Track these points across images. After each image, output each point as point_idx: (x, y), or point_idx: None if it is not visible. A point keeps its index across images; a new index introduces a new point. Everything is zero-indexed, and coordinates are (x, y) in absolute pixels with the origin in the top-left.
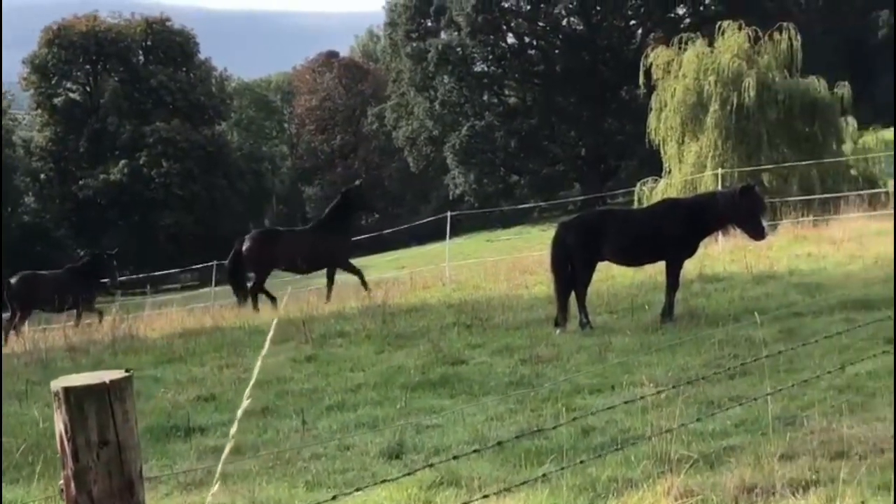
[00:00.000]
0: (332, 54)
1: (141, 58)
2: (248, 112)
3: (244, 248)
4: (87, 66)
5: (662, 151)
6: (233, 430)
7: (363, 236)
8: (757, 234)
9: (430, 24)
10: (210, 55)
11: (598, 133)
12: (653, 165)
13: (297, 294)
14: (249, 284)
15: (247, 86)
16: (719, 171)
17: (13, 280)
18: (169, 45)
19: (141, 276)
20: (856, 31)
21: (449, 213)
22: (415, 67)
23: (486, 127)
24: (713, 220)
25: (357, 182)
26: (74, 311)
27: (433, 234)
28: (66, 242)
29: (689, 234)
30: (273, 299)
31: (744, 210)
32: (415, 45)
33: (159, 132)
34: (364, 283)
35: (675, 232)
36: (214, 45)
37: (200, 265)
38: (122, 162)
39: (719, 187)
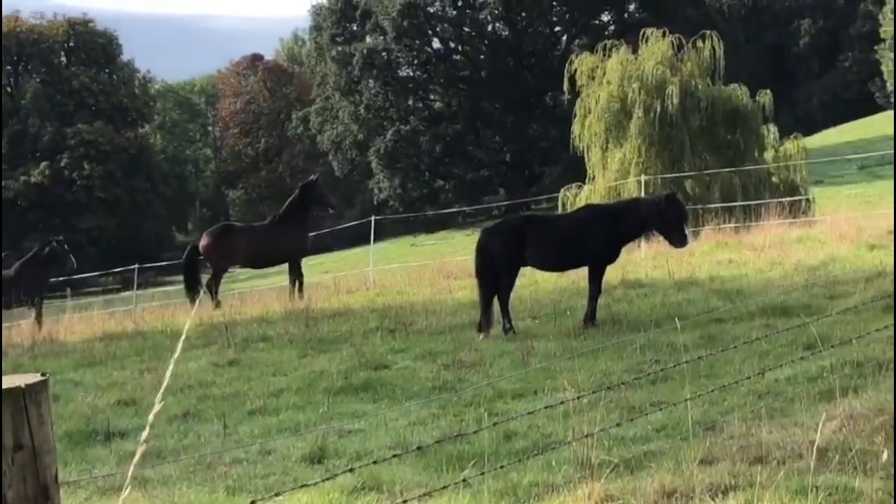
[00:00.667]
0: (257, 57)
1: (63, 59)
2: (171, 115)
3: (203, 244)
4: (9, 67)
5: (586, 158)
6: (144, 433)
7: None
8: (680, 241)
9: (355, 28)
10: (133, 57)
11: (523, 139)
12: (577, 171)
13: (223, 297)
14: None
15: (170, 88)
16: (642, 177)
17: None
18: (91, 46)
19: (61, 279)
20: (778, 39)
21: (373, 218)
22: (340, 71)
23: (410, 132)
24: (636, 227)
25: (313, 177)
26: (29, 308)
27: (358, 238)
28: None
29: (612, 239)
30: (214, 297)
31: (667, 217)
32: (340, 49)
33: (81, 134)
34: (301, 289)
35: (597, 237)
36: (138, 48)
37: (122, 269)
38: (44, 164)
39: (642, 194)
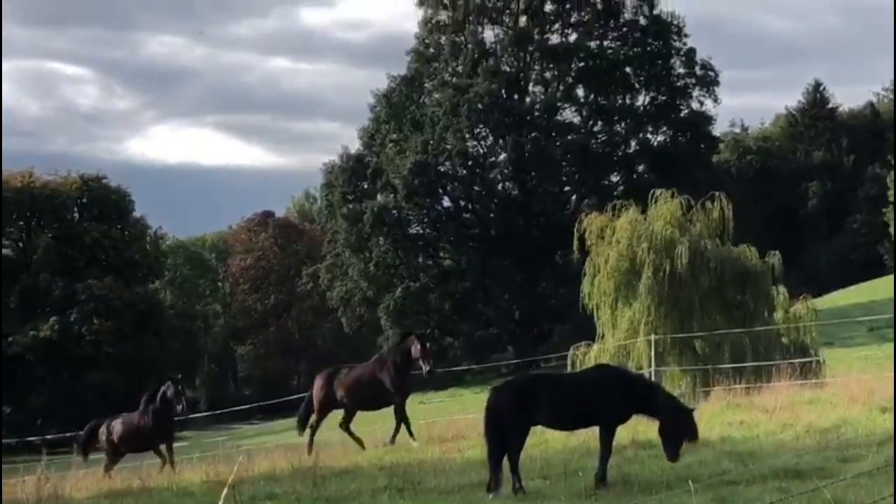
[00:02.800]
0: (268, 214)
1: (76, 215)
2: (182, 270)
3: (316, 385)
4: (21, 223)
5: (596, 316)
6: None
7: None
8: (671, 454)
9: (366, 186)
10: (145, 210)
11: (532, 297)
12: (585, 330)
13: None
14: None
15: (181, 244)
16: (652, 336)
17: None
18: (104, 202)
19: (68, 434)
20: (786, 200)
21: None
22: (350, 228)
23: (420, 289)
24: (647, 408)
25: (417, 331)
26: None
27: None
28: None
29: (623, 405)
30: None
31: (677, 428)
32: (351, 206)
33: (91, 289)
34: (406, 432)
35: (609, 399)
36: (150, 200)
37: None
38: (53, 319)
39: (652, 353)
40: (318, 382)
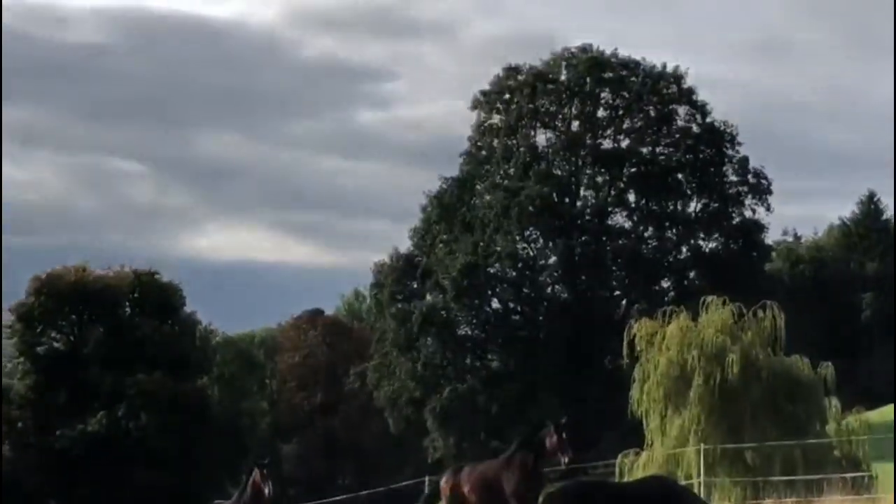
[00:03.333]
0: (317, 312)
1: (127, 309)
2: (230, 367)
3: (443, 483)
4: (73, 316)
5: (645, 423)
6: None
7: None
8: None
9: (415, 286)
10: (196, 306)
11: (580, 401)
12: (634, 437)
13: None
14: None
15: (230, 340)
16: (702, 446)
17: None
18: (156, 297)
19: None
20: (840, 311)
21: (427, 478)
22: (398, 328)
23: (467, 390)
24: None
25: (563, 420)
26: None
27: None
28: (34, 495)
29: None
30: None
31: None
32: (399, 306)
33: (140, 384)
34: None
35: None
36: (201, 296)
37: None
38: (101, 413)
39: (701, 463)
40: (447, 475)
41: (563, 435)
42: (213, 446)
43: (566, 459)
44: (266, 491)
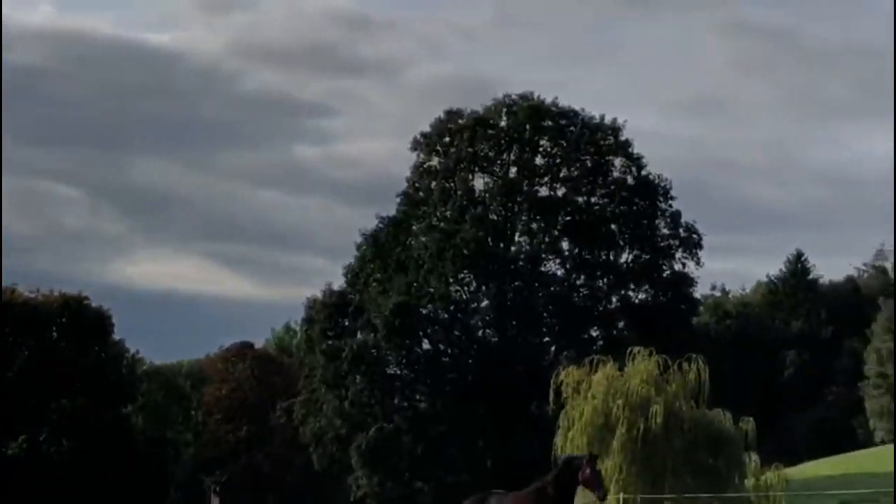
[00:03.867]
0: (247, 345)
1: (54, 333)
2: (156, 396)
3: None
4: None
5: None
6: None
7: None
8: None
9: (347, 323)
10: (124, 333)
11: (506, 445)
12: None
13: None
14: None
15: (157, 369)
16: (621, 495)
17: None
18: (84, 323)
19: None
20: (764, 367)
21: None
22: (328, 364)
23: (393, 430)
24: None
25: (585, 457)
26: None
27: None
28: None
29: None
30: None
31: None
32: (330, 342)
33: (63, 409)
34: None
35: None
36: (130, 323)
37: None
38: (22, 437)
39: None
40: None
41: (598, 469)
42: (135, 475)
43: (599, 494)
44: None
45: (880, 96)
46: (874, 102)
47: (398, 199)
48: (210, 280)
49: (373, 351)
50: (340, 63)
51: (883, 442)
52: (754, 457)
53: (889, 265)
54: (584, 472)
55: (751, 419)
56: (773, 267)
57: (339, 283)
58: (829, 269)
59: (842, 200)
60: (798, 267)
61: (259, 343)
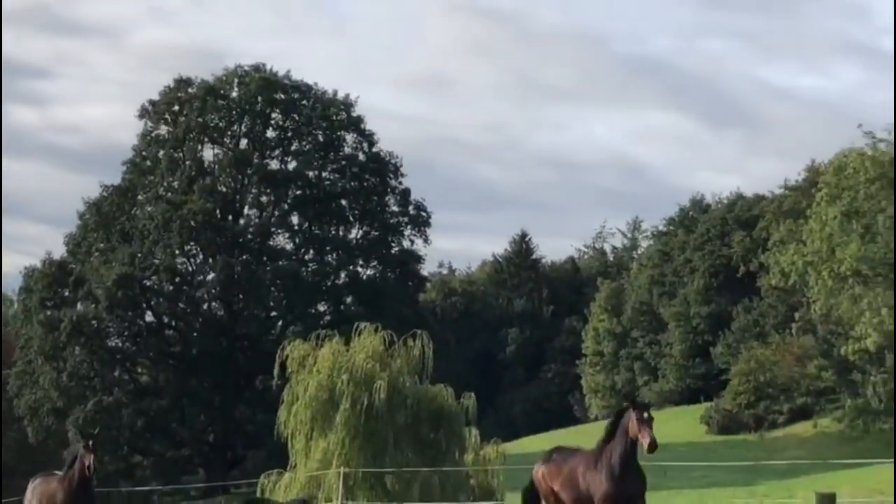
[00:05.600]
0: None
1: None
2: None
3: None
4: None
5: (290, 445)
6: None
7: None
8: None
9: (67, 293)
10: None
11: (229, 420)
12: (280, 458)
13: None
14: None
15: None
16: (342, 469)
17: None
18: None
19: None
20: (487, 344)
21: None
22: (45, 336)
23: (113, 403)
24: None
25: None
26: None
27: None
28: None
29: None
30: None
31: None
32: (49, 313)
33: None
34: None
35: None
36: None
37: None
38: None
39: (341, 486)
40: (539, 464)
41: (645, 415)
42: None
43: (646, 442)
44: (87, 463)
45: (600, 81)
46: (594, 88)
47: (124, 168)
48: None
49: (93, 322)
50: (61, 23)
51: (598, 418)
52: (474, 432)
53: (608, 246)
54: (632, 424)
55: (472, 395)
56: (498, 246)
57: (59, 252)
58: (552, 249)
59: (563, 183)
60: (522, 247)
61: None
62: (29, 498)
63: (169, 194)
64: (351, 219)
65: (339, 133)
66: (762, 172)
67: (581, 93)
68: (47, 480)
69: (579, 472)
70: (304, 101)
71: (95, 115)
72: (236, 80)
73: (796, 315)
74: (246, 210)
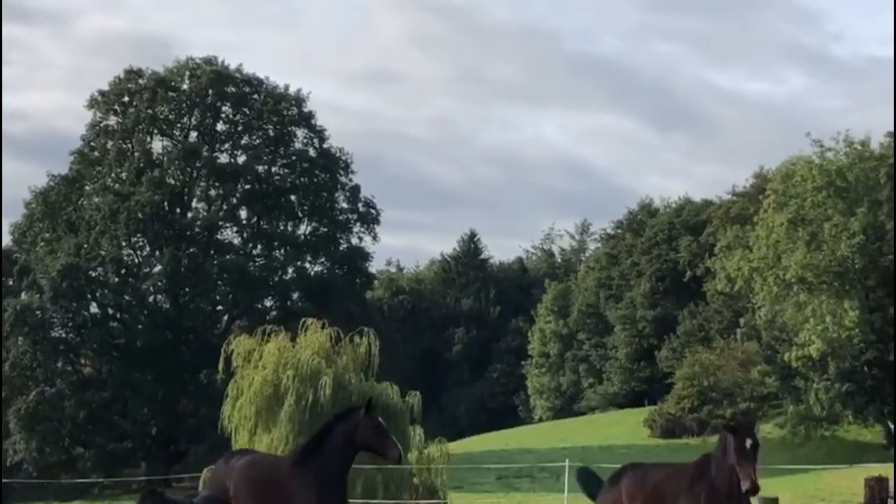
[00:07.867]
0: None
1: None
2: None
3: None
4: None
5: (234, 440)
6: None
7: None
8: None
9: (11, 283)
10: None
11: (172, 413)
12: (223, 452)
13: None
14: None
15: None
16: None
17: None
18: None
19: None
20: (433, 343)
21: (2, 480)
22: None
23: (55, 394)
24: None
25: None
26: None
27: None
28: None
29: None
30: None
31: None
32: None
33: None
34: None
35: None
36: None
37: None
38: None
39: None
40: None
41: (748, 443)
42: None
43: (744, 486)
44: None
45: (549, 80)
46: (543, 86)
47: (72, 158)
48: None
49: (37, 312)
50: (6, 7)
51: (542, 419)
52: (419, 430)
53: (556, 248)
54: (730, 448)
55: (417, 393)
56: (447, 245)
57: (4, 241)
58: (500, 249)
59: (512, 183)
60: (471, 246)
61: None
62: None
63: (117, 185)
64: (300, 214)
65: (289, 128)
66: (709, 176)
67: (530, 91)
68: None
69: (670, 498)
70: (256, 96)
71: (41, 102)
72: (187, 73)
73: (741, 321)
74: (194, 203)
